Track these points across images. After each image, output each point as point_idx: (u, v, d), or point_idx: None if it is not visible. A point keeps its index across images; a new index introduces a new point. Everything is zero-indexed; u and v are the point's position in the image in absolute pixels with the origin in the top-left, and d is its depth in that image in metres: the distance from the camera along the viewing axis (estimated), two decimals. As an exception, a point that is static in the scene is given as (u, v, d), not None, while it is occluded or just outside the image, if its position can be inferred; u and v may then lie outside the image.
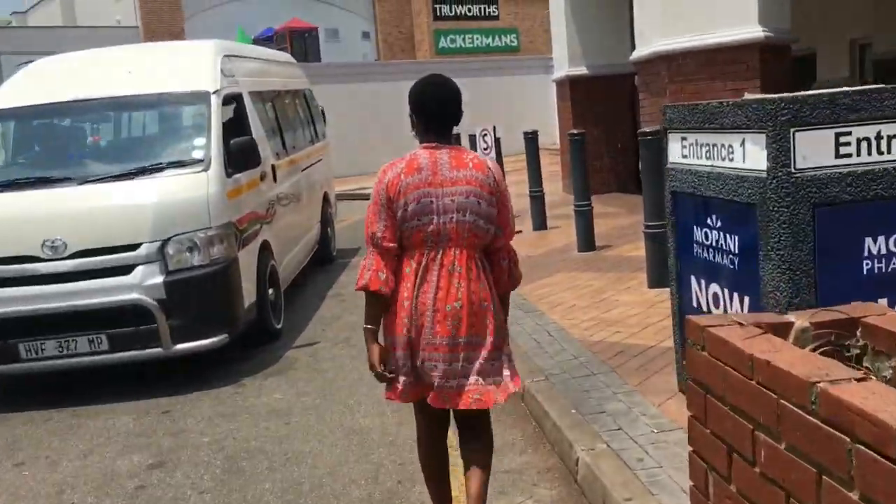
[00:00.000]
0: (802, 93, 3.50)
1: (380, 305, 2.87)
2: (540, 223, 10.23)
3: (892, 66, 16.61)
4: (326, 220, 9.77)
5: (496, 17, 30.46)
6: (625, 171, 12.92)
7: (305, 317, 7.42)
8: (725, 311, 3.74)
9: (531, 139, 10.25)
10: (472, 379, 2.84)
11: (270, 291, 6.64)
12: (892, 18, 15.09)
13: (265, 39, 23.92)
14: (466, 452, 3.03)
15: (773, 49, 8.86)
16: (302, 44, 25.00)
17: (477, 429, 3.02)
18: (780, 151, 3.25)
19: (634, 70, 10.42)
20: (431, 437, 3.09)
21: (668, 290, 4.44)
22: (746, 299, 3.60)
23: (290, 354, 6.37)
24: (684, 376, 3.35)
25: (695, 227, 3.96)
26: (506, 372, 2.92)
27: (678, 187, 4.07)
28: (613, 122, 12.78)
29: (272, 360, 6.25)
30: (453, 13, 29.71)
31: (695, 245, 3.97)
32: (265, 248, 6.65)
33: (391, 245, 2.80)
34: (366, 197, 12.76)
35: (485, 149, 9.64)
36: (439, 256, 2.79)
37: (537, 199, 10.23)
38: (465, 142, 12.58)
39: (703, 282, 3.96)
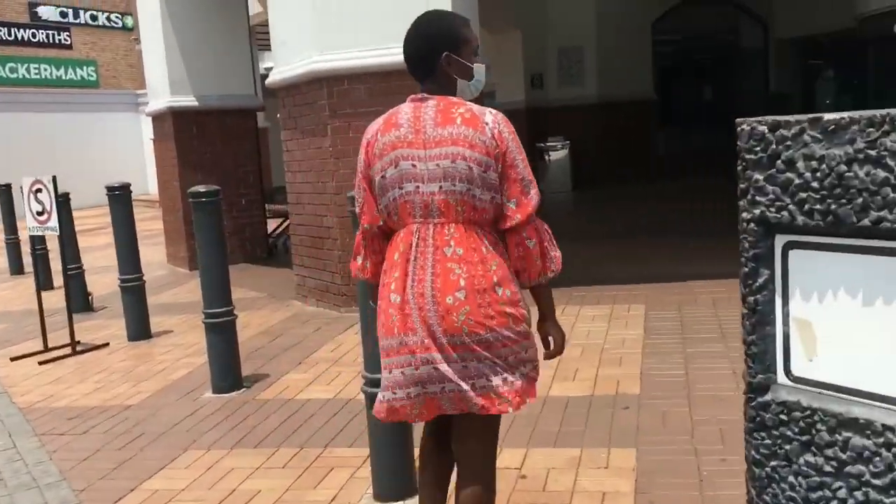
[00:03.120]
0: None
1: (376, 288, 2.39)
2: (139, 329, 6.30)
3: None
4: None
5: (69, 47, 25.47)
6: (253, 234, 9.85)
7: None
8: None
9: (118, 196, 6.24)
10: (471, 383, 2.23)
11: None
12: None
13: None
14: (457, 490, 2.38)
15: (471, 75, 6.53)
16: None
17: (471, 455, 2.36)
18: None
19: (274, 97, 7.44)
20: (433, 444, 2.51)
21: None
22: None
23: None
24: None
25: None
26: (516, 380, 2.26)
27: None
28: (235, 170, 9.66)
29: None
30: (13, 37, 24.18)
31: None
32: None
33: (370, 224, 2.35)
34: None
35: (38, 213, 5.87)
36: (431, 235, 2.22)
37: (131, 289, 6.26)
38: (16, 197, 8.67)
39: None
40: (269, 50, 8.26)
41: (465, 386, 2.21)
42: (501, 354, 2.23)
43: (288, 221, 8.42)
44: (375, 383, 3.20)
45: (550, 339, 2.43)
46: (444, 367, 2.20)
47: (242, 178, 9.74)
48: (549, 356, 2.44)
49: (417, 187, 2.22)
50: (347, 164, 6.27)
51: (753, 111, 20.53)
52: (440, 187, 2.19)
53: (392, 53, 6.11)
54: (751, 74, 19.76)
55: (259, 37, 15.31)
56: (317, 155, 6.56)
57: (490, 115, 2.22)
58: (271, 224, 10.55)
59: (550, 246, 2.29)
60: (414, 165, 2.22)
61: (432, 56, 2.28)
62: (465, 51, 2.31)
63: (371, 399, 3.24)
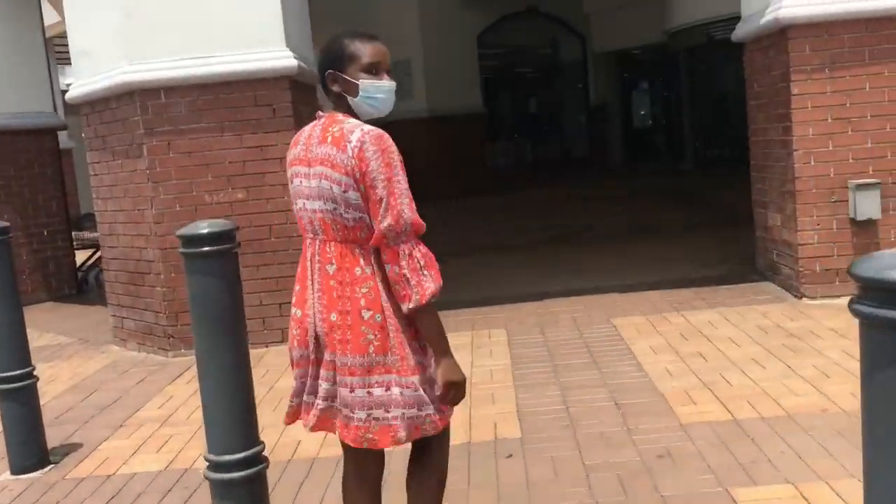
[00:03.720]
0: None
1: None
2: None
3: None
4: None
5: None
6: (58, 268, 8.71)
7: None
8: None
9: None
10: (350, 412, 2.20)
11: None
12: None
13: None
14: None
15: (306, 86, 5.95)
16: None
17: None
18: None
19: (78, 114, 6.50)
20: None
21: None
22: None
23: None
24: None
25: None
26: (388, 412, 2.18)
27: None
28: (34, 197, 8.51)
29: None
30: None
31: None
32: None
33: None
34: None
35: None
36: (318, 252, 2.24)
37: None
38: None
39: None
40: (70, 64, 7.28)
41: (343, 409, 2.21)
42: (381, 382, 2.17)
43: (99, 253, 7.45)
44: (223, 467, 2.58)
45: (437, 379, 2.21)
46: (324, 384, 2.23)
47: (43, 205, 8.60)
48: (439, 400, 2.23)
49: (304, 204, 2.26)
50: (169, 189, 5.51)
51: (575, 123, 21.15)
52: (319, 206, 2.21)
53: (219, 62, 5.45)
54: (572, 87, 20.26)
55: (58, 50, 13.90)
56: (130, 179, 5.74)
57: (357, 134, 2.15)
58: (80, 255, 9.43)
59: (415, 274, 2.13)
60: (301, 182, 2.26)
61: (322, 76, 2.29)
62: (351, 67, 2.24)
63: (218, 486, 2.61)
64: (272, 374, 5.04)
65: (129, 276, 5.99)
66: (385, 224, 2.11)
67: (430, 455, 2.35)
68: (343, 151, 2.14)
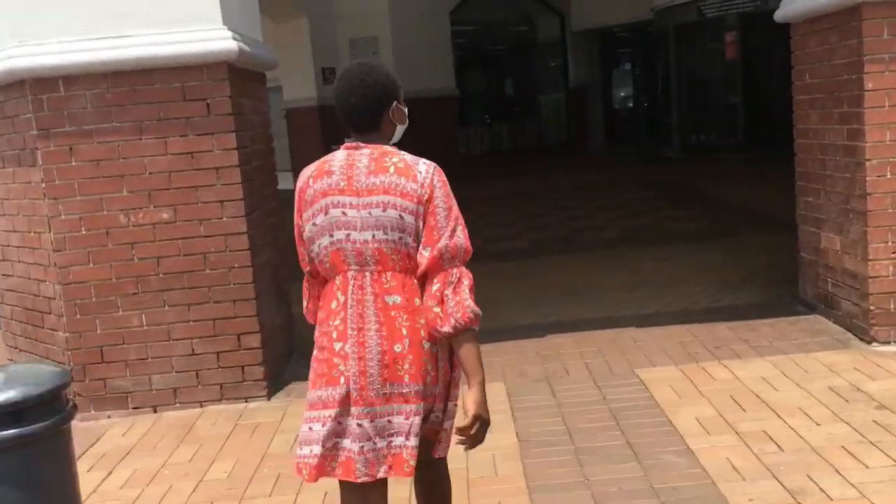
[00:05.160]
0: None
1: None
2: None
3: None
4: None
5: None
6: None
7: None
8: None
9: None
10: (388, 441, 2.22)
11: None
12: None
13: None
14: None
15: (251, 75, 4.74)
16: None
17: None
18: None
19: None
20: None
21: None
22: None
23: None
24: None
25: None
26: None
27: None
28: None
29: None
30: None
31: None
32: None
33: (307, 268, 2.38)
34: None
35: None
36: (369, 284, 2.22)
37: None
38: None
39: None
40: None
41: (379, 443, 2.20)
42: (424, 409, 2.22)
43: None
44: None
45: (467, 408, 2.20)
46: (366, 423, 2.19)
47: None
48: (458, 432, 2.21)
49: (348, 235, 2.22)
50: (72, 207, 4.28)
51: (554, 105, 20.01)
52: (373, 236, 2.20)
53: (137, 44, 4.22)
54: (550, 67, 19.10)
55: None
56: (24, 192, 4.49)
57: (423, 165, 2.25)
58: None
59: (457, 296, 2.18)
60: (344, 213, 2.22)
61: (382, 106, 2.28)
62: (401, 95, 2.33)
63: None
64: (236, 449, 3.86)
65: (26, 314, 4.75)
66: (442, 244, 2.18)
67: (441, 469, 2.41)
68: (413, 181, 2.20)
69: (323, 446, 2.18)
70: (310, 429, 2.22)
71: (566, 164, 15.64)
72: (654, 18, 16.09)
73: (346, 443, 2.19)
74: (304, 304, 2.42)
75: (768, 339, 4.75)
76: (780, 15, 5.18)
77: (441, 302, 2.16)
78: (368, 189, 2.19)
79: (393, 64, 14.07)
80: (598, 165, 15.39)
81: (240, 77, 4.47)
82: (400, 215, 2.17)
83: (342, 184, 2.21)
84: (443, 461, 2.38)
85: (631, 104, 19.32)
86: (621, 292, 6.13)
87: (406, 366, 2.17)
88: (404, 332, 2.18)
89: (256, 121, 4.79)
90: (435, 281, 2.17)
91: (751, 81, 14.54)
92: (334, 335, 2.21)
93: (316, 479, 2.22)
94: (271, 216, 4.99)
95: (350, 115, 2.26)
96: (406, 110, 2.34)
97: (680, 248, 7.51)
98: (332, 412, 2.18)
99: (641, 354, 4.71)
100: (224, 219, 4.34)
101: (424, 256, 2.17)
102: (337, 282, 2.23)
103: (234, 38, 4.25)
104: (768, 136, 14.56)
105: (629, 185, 12.43)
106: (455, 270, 2.19)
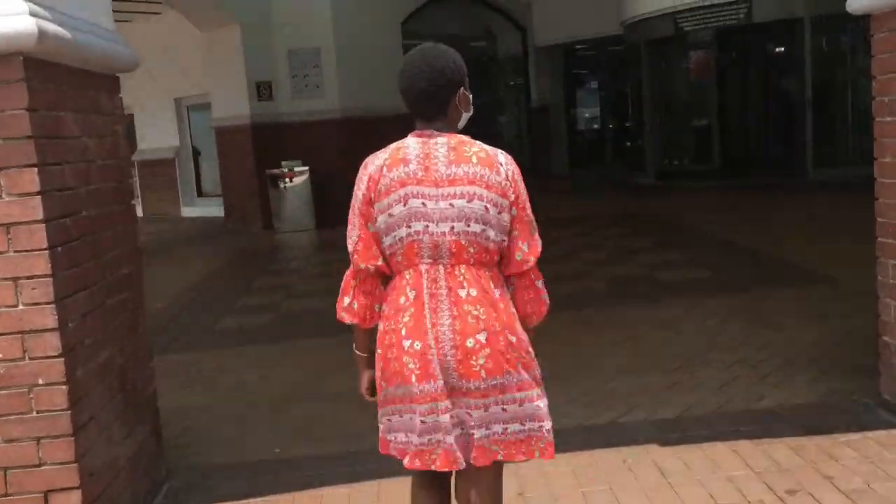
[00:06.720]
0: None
1: (367, 331, 2.35)
2: None
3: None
4: None
5: None
6: None
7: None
8: None
9: None
10: (500, 427, 2.23)
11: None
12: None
13: None
14: None
15: (84, 76, 3.09)
16: None
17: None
18: None
19: None
20: None
21: None
22: None
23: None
24: None
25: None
26: (536, 423, 2.26)
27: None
28: None
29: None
30: None
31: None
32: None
33: (367, 264, 2.25)
34: None
35: None
36: (443, 277, 2.19)
37: None
38: None
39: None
40: None
41: (478, 434, 2.20)
42: (516, 399, 2.21)
43: None
44: None
45: None
46: (460, 412, 2.19)
47: None
48: None
49: (427, 226, 2.19)
50: None
51: (515, 127, 18.49)
52: (452, 227, 2.18)
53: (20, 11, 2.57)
54: (510, 86, 17.67)
55: None
56: None
57: (503, 156, 2.24)
58: None
59: (544, 290, 2.33)
60: (424, 204, 2.19)
61: (450, 92, 2.24)
62: (467, 82, 2.30)
63: None
64: None
65: None
66: (537, 238, 2.25)
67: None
68: (497, 173, 2.19)
69: (419, 436, 2.19)
70: (389, 420, 2.26)
71: (531, 191, 14.18)
72: (623, 33, 14.78)
73: (439, 436, 2.18)
74: (347, 301, 2.29)
75: (863, 475, 3.22)
76: (855, 6, 3.71)
77: (537, 297, 2.28)
78: (450, 179, 2.17)
79: (336, 80, 12.52)
80: (564, 193, 13.97)
81: (54, 78, 2.82)
82: (486, 206, 2.17)
83: (420, 173, 2.18)
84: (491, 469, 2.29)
85: (596, 125, 17.98)
86: (624, 379, 4.59)
87: (482, 360, 2.16)
88: (480, 325, 2.16)
89: (92, 147, 3.13)
90: (536, 278, 2.28)
91: (733, 101, 13.28)
92: (404, 332, 2.19)
93: (415, 468, 2.23)
94: (122, 290, 3.33)
95: (418, 100, 2.23)
96: (471, 97, 2.31)
97: (683, 308, 6.00)
98: (406, 407, 2.20)
99: (679, 501, 3.14)
100: (20, 307, 2.68)
101: (525, 252, 2.23)
102: (407, 276, 2.21)
103: (33, 16, 2.61)
104: (745, 161, 13.36)
105: (602, 219, 10.98)
106: (536, 268, 2.29)
